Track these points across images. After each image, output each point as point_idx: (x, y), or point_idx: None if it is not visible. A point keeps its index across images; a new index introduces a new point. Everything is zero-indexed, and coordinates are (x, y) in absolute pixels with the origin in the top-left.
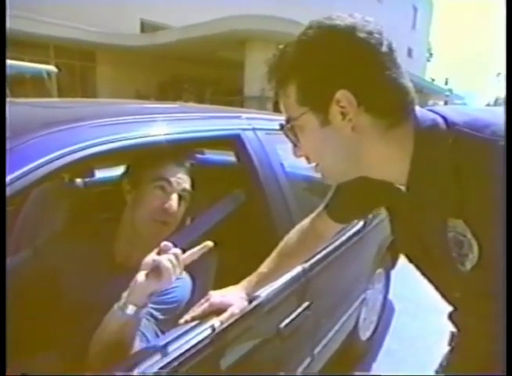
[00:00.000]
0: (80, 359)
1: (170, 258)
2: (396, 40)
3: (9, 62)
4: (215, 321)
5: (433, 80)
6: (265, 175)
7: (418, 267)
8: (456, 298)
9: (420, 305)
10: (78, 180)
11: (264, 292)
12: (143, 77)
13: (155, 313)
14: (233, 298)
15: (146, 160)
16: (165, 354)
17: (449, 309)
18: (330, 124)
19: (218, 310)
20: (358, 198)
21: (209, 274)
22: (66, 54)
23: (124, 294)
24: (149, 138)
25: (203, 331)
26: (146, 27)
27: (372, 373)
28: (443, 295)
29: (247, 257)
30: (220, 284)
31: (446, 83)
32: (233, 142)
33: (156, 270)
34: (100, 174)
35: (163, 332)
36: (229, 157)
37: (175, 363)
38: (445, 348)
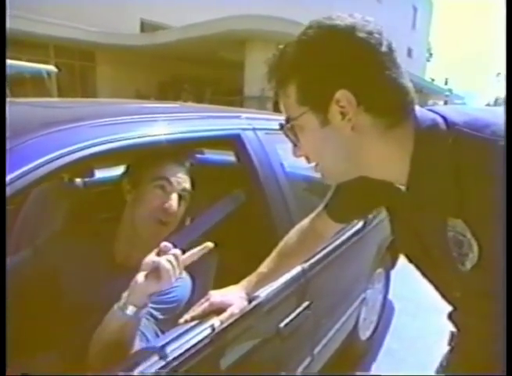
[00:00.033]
0: (80, 359)
1: (169, 258)
2: (396, 40)
3: (8, 61)
4: (215, 321)
5: (433, 80)
6: (265, 175)
7: (418, 267)
8: (456, 297)
9: (419, 304)
10: (78, 180)
11: (264, 292)
12: (143, 76)
13: (155, 313)
14: (233, 297)
15: (146, 159)
16: (165, 354)
17: (449, 308)
18: (330, 123)
19: (217, 310)
20: (358, 198)
21: (209, 274)
22: (66, 54)
23: (124, 295)
24: (148, 138)
25: (203, 331)
26: (145, 27)
27: (372, 373)
28: (443, 295)
29: (247, 257)
30: (220, 284)
31: (446, 83)
32: (233, 142)
33: (155, 271)
34: (100, 174)
35: (163, 332)
36: (229, 156)
37: (175, 363)
38: (445, 348)
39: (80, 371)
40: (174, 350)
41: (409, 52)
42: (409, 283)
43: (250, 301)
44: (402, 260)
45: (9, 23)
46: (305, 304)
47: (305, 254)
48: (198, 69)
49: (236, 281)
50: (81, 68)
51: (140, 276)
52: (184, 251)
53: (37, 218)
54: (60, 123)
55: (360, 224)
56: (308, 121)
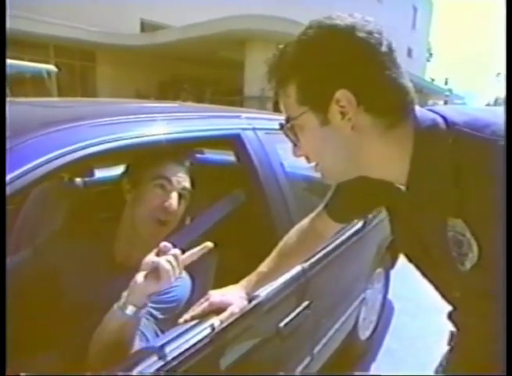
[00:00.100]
0: (80, 359)
1: (169, 259)
2: (396, 40)
3: (9, 61)
4: (215, 320)
5: (433, 80)
6: (265, 175)
7: (418, 267)
8: (456, 297)
9: (419, 304)
10: (78, 180)
11: (263, 291)
12: (143, 76)
13: (154, 313)
14: (233, 297)
15: (146, 159)
16: (164, 353)
17: (449, 308)
18: (330, 123)
19: (217, 309)
20: (358, 198)
21: (209, 273)
22: (66, 54)
23: (124, 294)
24: (148, 137)
25: (203, 331)
26: (146, 27)
27: (371, 373)
28: (443, 295)
29: (247, 256)
30: (220, 284)
31: (446, 83)
32: (233, 141)
33: (155, 271)
34: (100, 173)
35: (162, 331)
36: (229, 156)
37: (175, 363)
38: (445, 348)
39: (80, 371)
40: (173, 350)
41: (409, 52)
42: (408, 283)
43: (249, 301)
44: (401, 260)
45: (9, 23)
46: (305, 303)
47: (305, 254)
48: (198, 69)
49: (235, 281)
50: (81, 68)
51: (140, 276)
52: (184, 251)
53: (37, 218)
54: (60, 122)
55: (360, 224)
56: (308, 120)
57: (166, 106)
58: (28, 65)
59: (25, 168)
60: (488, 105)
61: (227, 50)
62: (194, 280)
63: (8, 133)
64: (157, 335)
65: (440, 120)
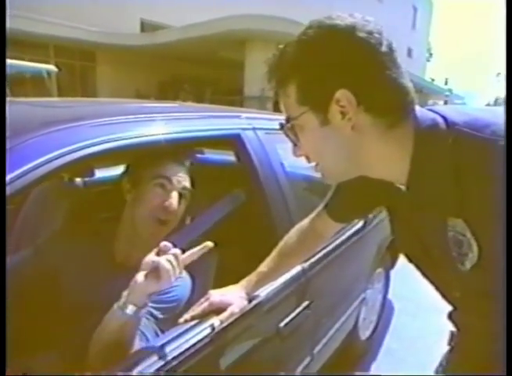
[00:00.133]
0: (80, 359)
1: (169, 258)
2: (396, 40)
3: (9, 61)
4: (215, 320)
5: (433, 80)
6: (265, 175)
7: (418, 267)
8: (456, 297)
9: (419, 304)
10: (78, 179)
11: (263, 291)
12: (143, 76)
13: (155, 312)
14: (233, 297)
15: (146, 159)
16: (164, 353)
17: (449, 308)
18: (330, 123)
19: (217, 309)
20: (358, 198)
21: (209, 273)
22: (66, 53)
23: (124, 294)
24: (148, 137)
25: (203, 330)
26: (146, 27)
27: (372, 372)
28: (443, 295)
29: (247, 256)
30: (220, 283)
31: (446, 83)
32: (233, 141)
33: (155, 271)
34: (100, 173)
35: (162, 331)
36: (229, 156)
37: (175, 363)
38: (445, 348)
39: (80, 371)
40: (173, 350)
41: (409, 52)
42: (408, 283)
43: (249, 301)
44: (401, 260)
45: (9, 23)
46: (305, 303)
47: (305, 254)
48: (198, 69)
49: (235, 281)
50: (81, 68)
51: (140, 276)
52: (184, 251)
53: (37, 218)
54: (60, 122)
55: (360, 224)
56: (308, 120)
57: (166, 106)
58: (28, 65)
59: (25, 167)
60: (488, 105)
61: (227, 50)
62: (194, 280)
63: (8, 133)
64: (157, 335)
65: (440, 120)
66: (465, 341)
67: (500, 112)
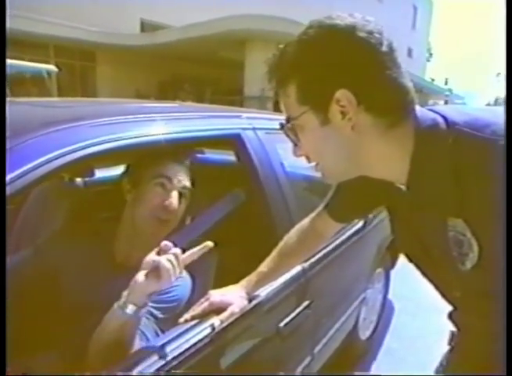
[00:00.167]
0: (80, 359)
1: (170, 258)
2: (396, 40)
3: (9, 61)
4: (215, 320)
5: (433, 80)
6: (265, 175)
7: (418, 266)
8: (456, 297)
9: (419, 304)
10: (78, 179)
11: (264, 291)
12: (143, 76)
13: (155, 312)
14: (233, 297)
15: (146, 159)
16: (164, 353)
17: (449, 308)
18: (330, 123)
19: (217, 309)
20: (359, 197)
21: (209, 273)
22: (66, 54)
23: (124, 293)
24: (148, 137)
25: (203, 330)
26: (146, 27)
27: (372, 372)
28: (443, 295)
29: (247, 256)
30: (220, 283)
31: (446, 83)
32: (233, 141)
33: (155, 270)
34: (100, 173)
35: (163, 331)
36: (229, 156)
37: (175, 362)
38: (445, 348)
39: (80, 371)
40: (174, 349)
41: (409, 52)
42: (408, 283)
43: (250, 301)
44: (401, 260)
45: (9, 23)
46: (305, 303)
47: (305, 254)
48: (198, 69)
49: (235, 281)
50: (81, 68)
51: (140, 276)
52: (184, 251)
53: (37, 218)
54: (60, 122)
55: (360, 224)
56: (309, 120)
57: (166, 106)
58: (28, 65)
59: (25, 167)
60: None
61: (227, 50)
62: (194, 280)
63: (8, 133)
64: (157, 335)
65: (440, 120)
66: (465, 341)
67: (500, 112)
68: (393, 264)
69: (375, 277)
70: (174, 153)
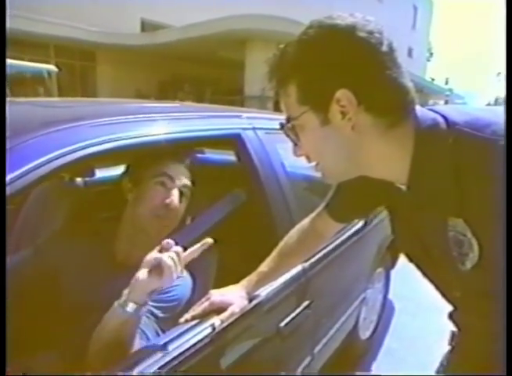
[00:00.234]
0: (80, 358)
1: (171, 255)
2: (396, 40)
3: (9, 61)
4: (215, 320)
5: (433, 80)
6: (266, 175)
7: (418, 266)
8: (457, 297)
9: (420, 304)
10: (78, 179)
11: (264, 291)
12: (143, 76)
13: (155, 311)
14: (233, 297)
15: (147, 158)
16: (165, 353)
17: (449, 308)
18: (330, 123)
19: (218, 309)
20: (359, 197)
21: (209, 273)
22: (66, 53)
23: (125, 292)
24: (149, 137)
25: (204, 330)
26: (146, 27)
27: (372, 372)
28: (443, 295)
29: (248, 256)
30: (220, 283)
31: (446, 83)
32: (234, 141)
33: (157, 268)
34: (101, 173)
35: (163, 331)
36: (230, 156)
37: (175, 362)
38: (446, 348)
39: (80, 371)
40: (174, 349)
41: (410, 52)
42: (409, 283)
43: (250, 301)
44: (402, 259)
45: (9, 23)
46: (305, 303)
47: (306, 254)
48: (198, 68)
49: (236, 280)
50: (81, 68)
51: (141, 273)
52: (185, 250)
53: (37, 218)
54: (60, 122)
55: (360, 223)
56: (309, 120)
57: (166, 106)
58: (28, 65)
59: (25, 168)
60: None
61: (227, 50)
62: (195, 280)
63: (8, 133)
64: (158, 334)
65: (441, 119)
66: (465, 341)
67: (501, 112)
68: (393, 264)
69: (375, 277)
70: (175, 152)
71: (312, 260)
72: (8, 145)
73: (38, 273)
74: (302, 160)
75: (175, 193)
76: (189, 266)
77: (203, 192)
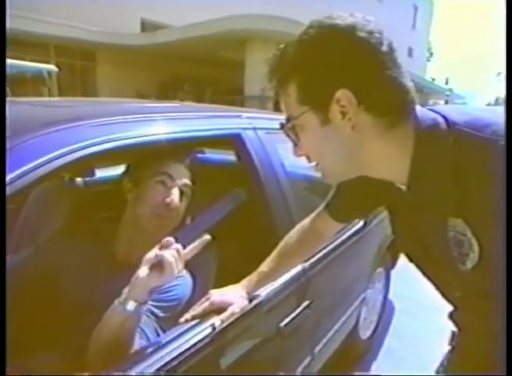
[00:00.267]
0: (80, 359)
1: (172, 253)
2: (396, 39)
3: (9, 61)
4: (216, 320)
5: (433, 79)
6: (266, 175)
7: (418, 266)
8: (457, 297)
9: (420, 304)
10: (79, 179)
11: (264, 291)
12: (143, 76)
13: (155, 311)
14: (234, 297)
15: (147, 158)
16: (165, 353)
17: (450, 308)
18: (331, 123)
19: (218, 309)
20: (359, 197)
21: (209, 273)
22: (66, 53)
23: (125, 290)
24: (149, 137)
25: (204, 330)
26: (146, 27)
27: (372, 372)
28: (443, 294)
29: (248, 256)
30: (220, 283)
31: (446, 83)
32: (234, 141)
33: (158, 266)
34: (101, 173)
35: (163, 330)
36: (230, 156)
37: (175, 362)
38: (446, 348)
39: (80, 371)
40: (174, 349)
41: (410, 52)
42: (409, 283)
43: (250, 301)
44: (402, 259)
45: (9, 23)
46: (306, 303)
47: (306, 254)
48: (198, 68)
49: (236, 280)
50: (81, 68)
51: (142, 271)
52: (185, 248)
53: (37, 218)
54: (61, 122)
55: (360, 223)
56: (309, 120)
57: (166, 106)
58: (29, 65)
59: (25, 167)
60: (489, 105)
61: (227, 50)
62: (195, 280)
63: (8, 133)
64: (158, 334)
65: (441, 119)
66: (465, 341)
67: (501, 112)
68: (393, 264)
69: (375, 277)
70: (175, 152)
71: (312, 260)
72: (8, 145)
73: (38, 273)
74: (302, 160)
75: (176, 192)
76: (189, 266)
77: (204, 191)
